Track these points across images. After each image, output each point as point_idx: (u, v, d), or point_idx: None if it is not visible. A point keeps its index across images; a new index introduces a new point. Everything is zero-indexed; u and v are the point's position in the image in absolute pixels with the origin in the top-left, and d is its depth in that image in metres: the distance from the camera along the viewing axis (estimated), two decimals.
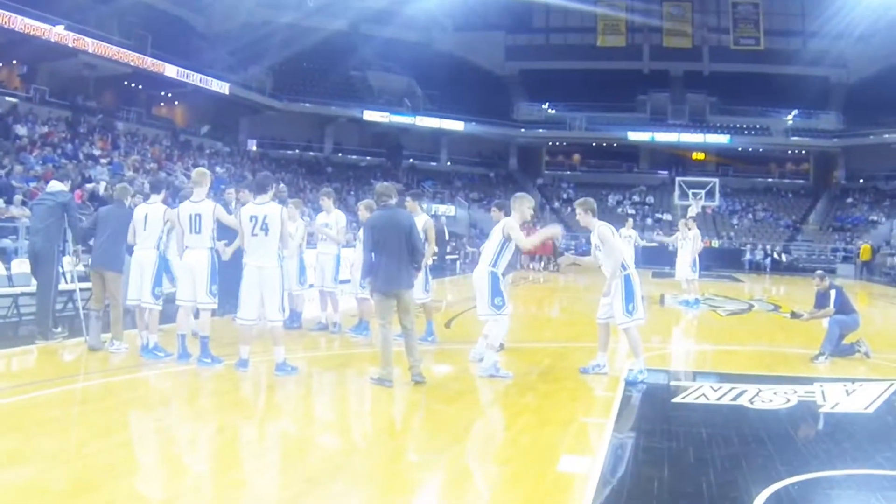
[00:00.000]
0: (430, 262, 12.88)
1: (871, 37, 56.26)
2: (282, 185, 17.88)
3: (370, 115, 60.05)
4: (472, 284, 11.92)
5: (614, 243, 11.12)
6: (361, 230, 12.14)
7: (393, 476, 6.77)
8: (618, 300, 10.88)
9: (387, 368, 10.02)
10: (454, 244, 44.17)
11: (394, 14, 58.99)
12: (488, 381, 10.75)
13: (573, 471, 6.93)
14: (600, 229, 11.16)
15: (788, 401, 9.66)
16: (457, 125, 62.34)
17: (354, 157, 63.50)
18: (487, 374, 10.96)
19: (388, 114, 60.65)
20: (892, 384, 10.63)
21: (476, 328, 12.56)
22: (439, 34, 66.16)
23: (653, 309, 18.88)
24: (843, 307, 13.32)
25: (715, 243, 51.15)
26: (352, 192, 52.53)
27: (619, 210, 55.60)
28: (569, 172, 66.20)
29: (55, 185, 13.26)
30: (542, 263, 37.14)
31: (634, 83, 64.79)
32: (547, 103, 66.21)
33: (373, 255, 10.42)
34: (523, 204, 11.55)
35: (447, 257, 38.76)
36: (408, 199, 13.79)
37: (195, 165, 38.29)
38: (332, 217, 14.73)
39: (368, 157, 63.86)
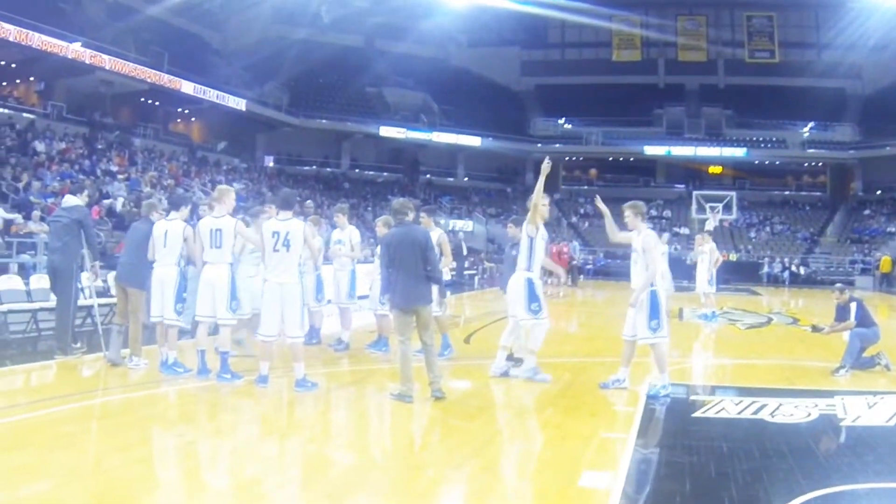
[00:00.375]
0: (448, 276, 12.88)
1: (885, 47, 56.13)
2: (308, 201, 17.89)
3: (387, 131, 60.08)
4: (507, 294, 12.00)
5: (655, 256, 11.08)
6: (379, 246, 12.15)
7: (413, 492, 6.75)
8: (642, 316, 10.84)
9: (407, 384, 10.01)
10: (472, 259, 44.16)
11: (408, 30, 59.18)
12: (507, 396, 10.78)
13: (595, 486, 6.91)
14: (647, 238, 11.10)
15: (809, 414, 9.61)
16: (473, 141, 62.34)
17: (371, 172, 63.52)
18: (526, 377, 11.30)
19: (404, 129, 60.66)
20: None
21: (496, 343, 12.53)
22: (454, 50, 66.35)
23: (671, 323, 18.86)
24: (864, 320, 13.26)
25: (733, 256, 51.00)
26: (369, 208, 52.62)
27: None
28: (586, 187, 66.09)
29: (70, 200, 13.28)
30: (560, 279, 36.97)
31: (650, 97, 64.72)
32: (563, 118, 66.14)
33: (390, 271, 10.42)
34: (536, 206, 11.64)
35: (465, 272, 38.77)
36: (422, 214, 13.82)
37: (212, 182, 38.61)
38: (347, 233, 14.71)
39: (385, 173, 64.02)
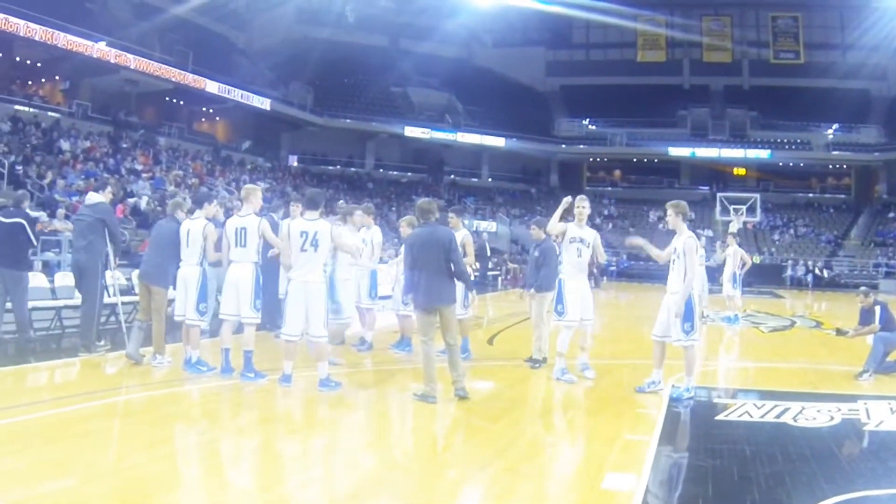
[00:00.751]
0: (472, 277, 12.86)
1: None
2: (341, 202, 17.90)
3: (411, 131, 60.26)
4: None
5: (695, 260, 10.99)
6: (403, 246, 12.17)
7: (436, 492, 6.78)
8: (676, 318, 10.82)
9: (430, 385, 10.04)
10: (495, 260, 44.15)
11: (433, 30, 59.20)
12: (531, 397, 10.84)
13: (617, 488, 6.89)
14: (688, 240, 10.97)
15: (832, 419, 9.58)
16: (498, 141, 62.42)
17: (396, 172, 63.71)
18: (555, 377, 11.57)
19: (429, 130, 60.84)
20: None
21: (519, 344, 12.56)
22: (479, 50, 66.35)
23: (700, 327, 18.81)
24: (888, 324, 13.19)
25: (756, 259, 50.83)
26: (393, 208, 52.67)
27: (661, 226, 55.36)
28: (610, 188, 66.14)
29: (93, 197, 13.38)
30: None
31: (674, 98, 64.57)
32: (587, 119, 66.13)
33: (414, 271, 10.44)
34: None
35: (489, 273, 38.76)
36: (451, 214, 13.86)
37: (236, 181, 38.73)
38: (370, 234, 14.60)
39: (410, 173, 64.22)
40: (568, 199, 11.98)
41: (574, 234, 12.01)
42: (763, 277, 45.73)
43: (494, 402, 10.71)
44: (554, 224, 11.98)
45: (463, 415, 9.67)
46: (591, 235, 12.21)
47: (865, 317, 13.61)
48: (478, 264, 14.99)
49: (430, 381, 10.08)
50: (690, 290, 10.78)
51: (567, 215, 12.02)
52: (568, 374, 11.63)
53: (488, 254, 37.16)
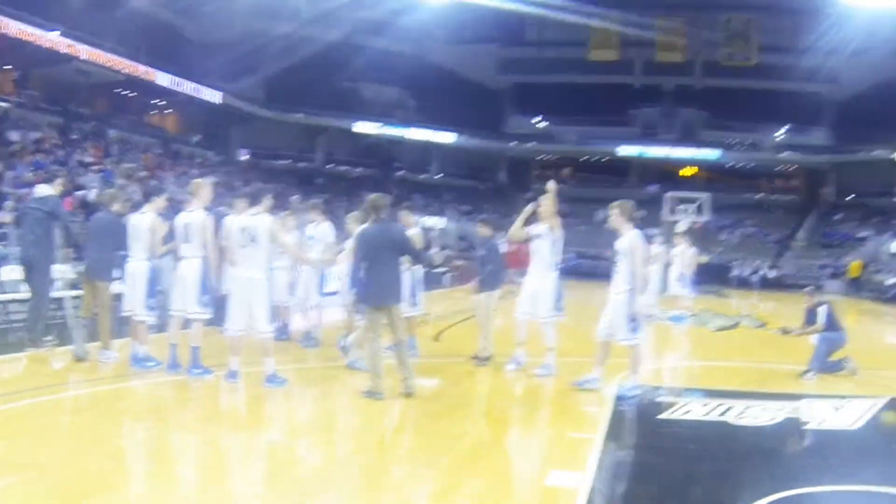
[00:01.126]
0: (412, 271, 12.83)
1: (863, 53, 56.23)
2: (294, 196, 17.84)
3: (362, 127, 60.07)
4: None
5: (640, 259, 10.97)
6: (350, 241, 12.10)
7: (382, 489, 6.80)
8: (620, 317, 10.89)
9: (376, 381, 10.02)
10: (444, 257, 44.08)
11: (388, 25, 58.96)
12: (477, 395, 10.91)
13: (562, 485, 6.95)
14: (633, 240, 11.03)
15: (775, 417, 9.68)
16: (448, 137, 62.48)
17: (345, 168, 63.40)
18: (546, 373, 11.95)
19: (379, 125, 60.67)
20: (878, 401, 10.68)
21: (466, 341, 12.61)
22: (432, 46, 66.17)
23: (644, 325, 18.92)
24: (832, 324, 13.36)
25: (703, 259, 51.12)
26: (342, 204, 52.48)
27: (606, 225, 55.48)
28: (559, 186, 66.06)
29: (43, 190, 13.19)
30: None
31: (626, 97, 64.66)
32: (538, 117, 66.16)
33: (364, 267, 10.41)
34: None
35: (435, 270, 38.71)
36: (404, 212, 13.86)
37: (186, 175, 38.41)
38: (320, 230, 14.51)
39: (360, 168, 63.83)
40: (529, 208, 12.07)
41: (537, 231, 12.15)
42: (710, 277, 45.98)
43: (440, 399, 10.74)
44: (515, 231, 12.05)
45: (409, 412, 9.68)
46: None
47: (810, 317, 13.74)
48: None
49: (376, 377, 10.06)
50: (636, 288, 10.86)
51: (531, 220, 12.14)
52: (540, 368, 11.81)
53: (437, 251, 37.13)
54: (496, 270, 12.97)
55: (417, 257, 10.50)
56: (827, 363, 13.00)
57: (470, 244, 48.51)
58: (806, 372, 12.75)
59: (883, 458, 8.40)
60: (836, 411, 10.18)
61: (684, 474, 7.37)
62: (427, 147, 64.06)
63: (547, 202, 12.29)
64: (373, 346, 10.28)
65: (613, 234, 11.51)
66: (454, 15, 59.28)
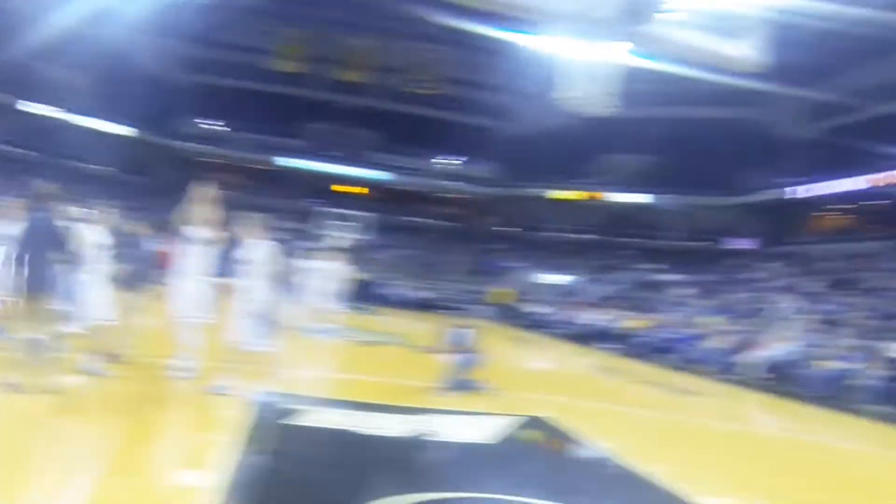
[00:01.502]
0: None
1: (539, 97, 59.02)
2: None
3: (29, 107, 57.45)
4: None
5: (266, 268, 11.29)
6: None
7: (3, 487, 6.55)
8: (253, 324, 11.01)
9: (29, 377, 9.62)
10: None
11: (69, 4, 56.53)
12: (101, 394, 10.64)
13: (188, 486, 6.99)
14: (266, 249, 11.46)
15: (406, 430, 10.03)
16: (115, 128, 60.87)
17: (6, 147, 60.11)
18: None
19: (51, 108, 58.25)
20: (507, 418, 11.34)
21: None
22: (114, 33, 63.98)
23: (289, 335, 19.11)
24: (470, 346, 14.04)
25: (357, 276, 51.97)
26: None
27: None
28: (221, 191, 65.28)
29: None
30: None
31: (302, 111, 65.05)
32: (212, 119, 65.42)
33: (24, 258, 9.98)
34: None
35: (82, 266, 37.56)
36: (63, 204, 13.44)
37: None
38: None
39: (21, 150, 60.74)
40: (189, 208, 12.03)
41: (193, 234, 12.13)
42: (363, 294, 46.81)
43: (76, 398, 10.44)
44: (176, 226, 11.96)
45: (44, 411, 9.34)
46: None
47: (450, 338, 14.34)
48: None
49: (32, 373, 9.66)
50: (261, 293, 11.07)
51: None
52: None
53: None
54: (143, 269, 12.84)
55: (69, 252, 10.18)
56: (462, 382, 13.62)
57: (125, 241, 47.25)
58: (441, 389, 13.31)
59: (512, 471, 8.92)
60: (464, 427, 10.66)
61: (309, 480, 7.53)
62: (95, 136, 61.73)
63: (203, 206, 12.23)
64: (29, 339, 9.88)
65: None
66: (141, 4, 57.56)
